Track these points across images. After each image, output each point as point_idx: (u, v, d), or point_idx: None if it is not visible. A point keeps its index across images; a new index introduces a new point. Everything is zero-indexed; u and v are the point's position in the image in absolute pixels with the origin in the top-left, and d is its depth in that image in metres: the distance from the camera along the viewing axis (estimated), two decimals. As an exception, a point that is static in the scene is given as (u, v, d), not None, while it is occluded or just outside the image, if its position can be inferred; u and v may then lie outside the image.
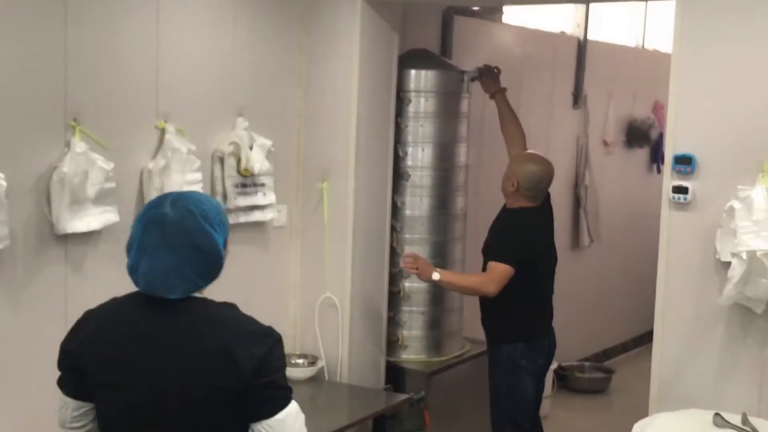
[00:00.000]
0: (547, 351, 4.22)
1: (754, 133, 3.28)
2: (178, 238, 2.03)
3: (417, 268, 3.96)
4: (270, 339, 2.08)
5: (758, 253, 3.17)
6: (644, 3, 6.71)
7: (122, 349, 2.07)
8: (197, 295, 2.10)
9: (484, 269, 4.11)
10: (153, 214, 2.07)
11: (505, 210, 4.21)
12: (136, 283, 2.08)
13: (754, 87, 3.29)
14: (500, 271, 3.96)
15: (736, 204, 3.25)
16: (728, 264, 3.27)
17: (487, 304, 4.15)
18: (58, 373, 2.18)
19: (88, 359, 2.10)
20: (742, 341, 3.35)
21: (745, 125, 3.31)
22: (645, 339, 5.06)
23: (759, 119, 3.28)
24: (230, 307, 2.13)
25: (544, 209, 4.22)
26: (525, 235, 4.08)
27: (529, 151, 4.31)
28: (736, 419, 3.08)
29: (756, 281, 3.21)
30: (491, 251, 4.08)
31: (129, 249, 2.09)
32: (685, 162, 3.39)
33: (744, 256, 3.20)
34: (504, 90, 4.50)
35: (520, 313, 4.12)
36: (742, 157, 3.30)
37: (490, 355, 4.26)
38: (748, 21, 3.29)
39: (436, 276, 3.96)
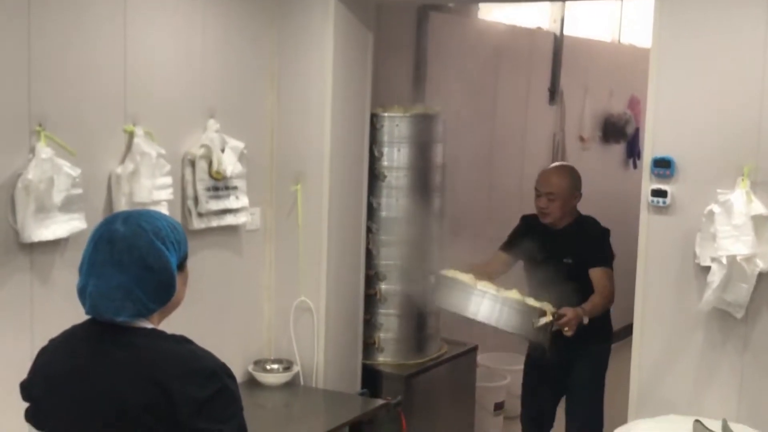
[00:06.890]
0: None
1: (734, 136, 3.24)
2: (127, 256, 1.91)
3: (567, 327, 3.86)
4: (216, 382, 1.90)
5: (738, 258, 3.14)
6: (620, -2, 6.69)
7: (64, 383, 1.98)
8: (147, 325, 1.97)
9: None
10: (103, 230, 1.96)
11: (578, 220, 4.30)
12: (84, 306, 1.96)
13: (734, 87, 3.24)
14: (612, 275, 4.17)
15: (715, 208, 3.21)
16: (708, 268, 3.24)
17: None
18: (21, 389, 2.11)
19: (37, 393, 2.04)
20: (721, 346, 3.32)
21: (725, 127, 3.26)
22: (623, 334, 5.05)
23: (738, 121, 3.23)
24: (178, 341, 1.96)
25: None
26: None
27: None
28: (716, 425, 3.05)
29: (736, 286, 3.18)
30: (592, 260, 4.15)
31: (80, 269, 1.98)
32: (664, 165, 3.34)
33: (724, 260, 3.16)
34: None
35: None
36: (722, 160, 3.26)
37: None
38: (728, 16, 3.23)
39: (585, 320, 3.95)
